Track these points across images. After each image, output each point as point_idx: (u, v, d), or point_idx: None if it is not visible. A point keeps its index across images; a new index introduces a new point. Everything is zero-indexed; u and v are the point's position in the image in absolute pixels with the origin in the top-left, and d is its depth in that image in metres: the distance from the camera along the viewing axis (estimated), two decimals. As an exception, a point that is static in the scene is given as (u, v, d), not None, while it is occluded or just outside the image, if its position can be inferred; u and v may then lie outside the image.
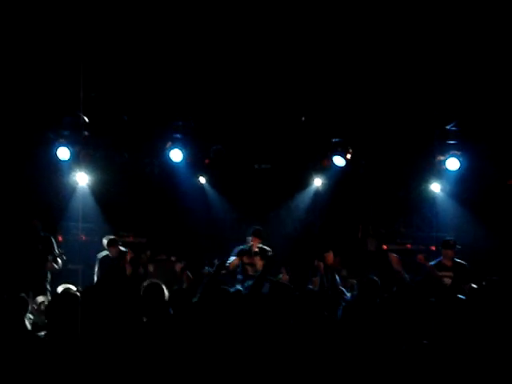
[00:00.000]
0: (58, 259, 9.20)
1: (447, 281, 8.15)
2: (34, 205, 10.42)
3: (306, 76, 9.86)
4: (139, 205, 11.27)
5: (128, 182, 11.02)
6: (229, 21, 8.77)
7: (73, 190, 10.86)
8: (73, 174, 10.66)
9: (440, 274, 8.24)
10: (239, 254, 8.84)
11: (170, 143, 10.39)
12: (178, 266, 8.54)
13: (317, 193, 11.43)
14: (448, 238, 8.89)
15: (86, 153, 10.30)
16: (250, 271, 8.75)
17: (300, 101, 10.33)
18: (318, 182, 11.24)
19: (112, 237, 9.39)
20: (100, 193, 10.97)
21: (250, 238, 8.95)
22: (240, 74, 9.77)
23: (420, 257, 8.43)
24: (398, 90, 9.98)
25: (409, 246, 10.83)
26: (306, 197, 11.56)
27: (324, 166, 10.69)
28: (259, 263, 8.59)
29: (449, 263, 8.36)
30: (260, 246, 8.86)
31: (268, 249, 8.87)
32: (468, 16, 8.57)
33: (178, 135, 10.30)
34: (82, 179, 10.75)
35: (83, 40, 8.61)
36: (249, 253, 8.83)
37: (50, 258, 9.06)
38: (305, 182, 11.42)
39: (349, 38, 9.31)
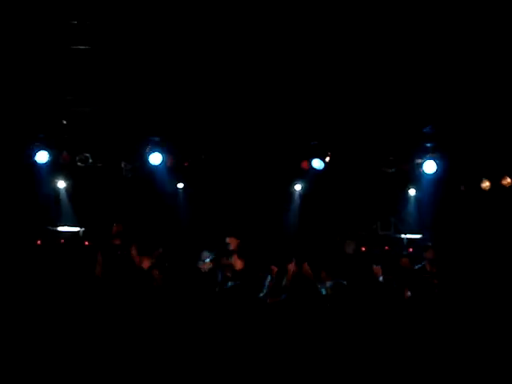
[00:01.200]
0: None
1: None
2: (14, 210, 10.39)
3: (284, 79, 9.92)
4: (118, 209, 11.24)
5: (106, 185, 10.98)
6: (212, 18, 8.76)
7: (52, 194, 10.86)
8: (51, 178, 10.66)
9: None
10: (216, 256, 8.83)
11: (149, 146, 10.40)
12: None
13: (296, 196, 11.49)
14: (427, 244, 8.96)
15: (65, 156, 10.27)
16: (229, 272, 8.70)
17: (279, 104, 10.39)
18: (298, 186, 11.31)
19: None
20: (78, 197, 10.96)
21: (227, 239, 8.93)
22: (220, 76, 9.79)
23: (404, 260, 8.48)
24: (377, 93, 10.07)
25: (386, 247, 10.91)
26: (286, 200, 11.62)
27: (303, 169, 10.71)
28: (238, 262, 8.64)
29: (432, 269, 8.46)
30: (237, 245, 8.82)
31: (246, 248, 8.86)
32: (447, 20, 8.67)
33: (157, 138, 10.31)
34: (60, 183, 10.76)
35: (64, 38, 8.63)
36: (226, 254, 8.83)
37: None
38: (284, 186, 11.46)
39: (329, 42, 9.40)
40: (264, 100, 10.17)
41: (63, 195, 10.91)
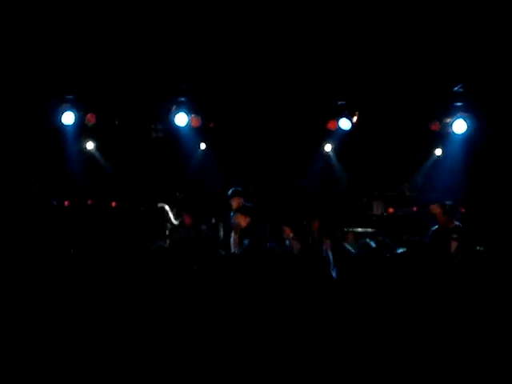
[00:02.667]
0: None
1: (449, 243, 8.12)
2: (41, 172, 10.44)
3: (311, 39, 9.76)
4: (146, 170, 11.27)
5: (134, 146, 10.97)
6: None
7: (80, 155, 10.89)
8: (79, 139, 10.68)
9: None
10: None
11: (174, 107, 10.33)
12: None
13: (323, 157, 11.42)
14: (446, 203, 8.81)
15: (91, 117, 10.23)
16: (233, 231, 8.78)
17: (305, 64, 10.25)
18: (328, 147, 11.22)
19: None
20: (106, 158, 11.00)
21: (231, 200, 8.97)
22: (244, 38, 9.66)
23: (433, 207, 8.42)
24: (405, 52, 9.88)
25: (415, 208, 10.85)
26: (313, 161, 11.55)
27: (330, 130, 10.61)
28: (243, 220, 8.67)
29: (450, 226, 8.27)
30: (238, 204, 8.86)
31: (250, 205, 8.91)
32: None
33: (183, 98, 10.22)
34: (88, 145, 10.78)
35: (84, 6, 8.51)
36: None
37: None
38: (312, 146, 11.38)
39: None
40: (290, 59, 10.05)
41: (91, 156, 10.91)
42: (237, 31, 9.45)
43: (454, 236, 8.07)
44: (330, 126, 10.40)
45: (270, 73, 10.22)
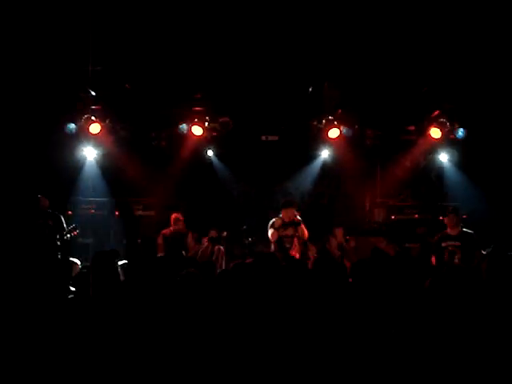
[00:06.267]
0: (68, 235, 9.17)
1: (451, 250, 8.07)
2: (42, 180, 10.45)
3: (311, 46, 9.85)
4: (147, 178, 11.28)
5: (135, 155, 10.99)
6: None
7: (81, 164, 10.91)
8: (80, 148, 10.71)
9: (445, 243, 8.15)
10: (273, 227, 8.78)
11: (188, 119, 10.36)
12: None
13: (324, 164, 11.42)
14: (450, 207, 8.78)
15: (93, 126, 10.26)
16: (287, 243, 8.73)
17: (306, 71, 10.31)
18: (325, 153, 11.24)
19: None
20: (107, 166, 11.02)
21: (282, 211, 8.88)
22: (245, 46, 9.73)
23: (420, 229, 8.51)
24: (406, 58, 9.96)
25: (416, 216, 10.84)
26: (313, 168, 11.56)
27: (331, 138, 10.62)
28: (305, 232, 8.69)
29: (453, 232, 8.21)
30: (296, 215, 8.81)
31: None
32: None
33: (199, 108, 10.25)
34: (89, 153, 10.80)
35: (89, 10, 8.58)
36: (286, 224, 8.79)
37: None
38: (312, 153, 11.40)
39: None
40: (292, 68, 10.14)
41: (93, 165, 10.93)
42: (238, 39, 9.55)
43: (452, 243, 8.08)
44: (330, 134, 10.40)
45: (274, 81, 10.32)
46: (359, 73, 10.25)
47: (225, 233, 9.84)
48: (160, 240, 9.49)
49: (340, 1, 9.66)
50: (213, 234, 9.67)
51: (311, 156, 11.43)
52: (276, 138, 11.03)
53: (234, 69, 10.11)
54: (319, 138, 10.85)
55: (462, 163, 10.79)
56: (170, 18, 9.12)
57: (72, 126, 10.21)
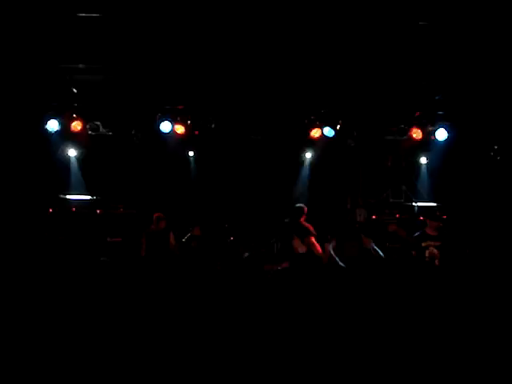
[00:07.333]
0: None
1: (432, 250, 8.20)
2: (25, 178, 10.43)
3: (296, 48, 9.85)
4: (128, 177, 11.27)
5: (116, 153, 10.96)
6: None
7: (63, 162, 10.89)
8: (62, 147, 10.69)
9: (425, 243, 8.27)
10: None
11: (159, 114, 10.36)
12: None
13: (307, 164, 11.47)
14: (433, 209, 8.92)
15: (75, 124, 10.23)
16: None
17: (289, 73, 10.33)
18: (308, 154, 11.27)
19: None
20: (89, 165, 11.00)
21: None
22: (231, 46, 9.73)
23: (392, 227, 8.60)
24: (388, 60, 9.99)
25: (397, 215, 10.91)
26: (295, 169, 11.60)
27: (314, 138, 10.66)
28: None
29: (434, 233, 8.35)
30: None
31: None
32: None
33: (168, 106, 10.25)
34: (71, 152, 10.78)
35: (73, 10, 8.55)
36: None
37: None
38: (295, 154, 11.44)
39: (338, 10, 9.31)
40: (274, 68, 10.12)
41: (74, 163, 10.91)
42: (226, 41, 9.54)
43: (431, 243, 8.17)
44: (313, 134, 10.44)
45: (255, 81, 10.31)
46: (342, 73, 10.27)
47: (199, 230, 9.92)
48: (143, 239, 9.51)
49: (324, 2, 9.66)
50: (196, 231, 9.71)
51: (294, 156, 11.45)
52: (259, 137, 11.04)
53: (220, 69, 10.10)
54: (302, 138, 10.88)
55: (442, 163, 10.85)
56: (153, 16, 9.07)
57: (54, 124, 10.14)
